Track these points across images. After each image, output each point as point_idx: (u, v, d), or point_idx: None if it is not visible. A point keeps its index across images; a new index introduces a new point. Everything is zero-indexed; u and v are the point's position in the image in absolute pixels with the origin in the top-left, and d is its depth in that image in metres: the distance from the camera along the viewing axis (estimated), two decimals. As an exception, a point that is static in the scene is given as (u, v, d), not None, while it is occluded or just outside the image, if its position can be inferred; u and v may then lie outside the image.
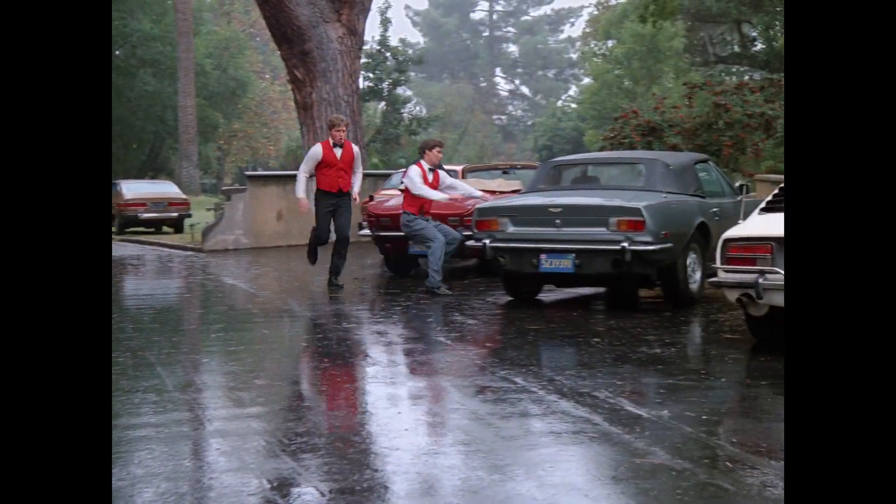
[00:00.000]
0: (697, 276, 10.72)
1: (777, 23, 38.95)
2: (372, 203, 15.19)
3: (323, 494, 4.74)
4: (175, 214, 28.65)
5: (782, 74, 31.18)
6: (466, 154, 51.27)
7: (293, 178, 22.03)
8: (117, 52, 42.68)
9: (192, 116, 41.06)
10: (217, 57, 46.95)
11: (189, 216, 27.98)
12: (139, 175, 42.54)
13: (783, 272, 7.69)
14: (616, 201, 10.35)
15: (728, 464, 5.16)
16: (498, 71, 75.24)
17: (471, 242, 11.27)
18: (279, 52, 24.30)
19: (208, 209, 26.90)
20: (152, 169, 48.01)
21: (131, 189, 29.79)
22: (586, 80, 58.24)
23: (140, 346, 8.97)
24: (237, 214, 20.66)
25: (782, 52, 30.35)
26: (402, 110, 40.30)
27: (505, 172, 17.42)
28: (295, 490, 4.84)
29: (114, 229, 28.01)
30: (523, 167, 18.34)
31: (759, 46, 41.08)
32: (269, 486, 4.89)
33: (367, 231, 15.09)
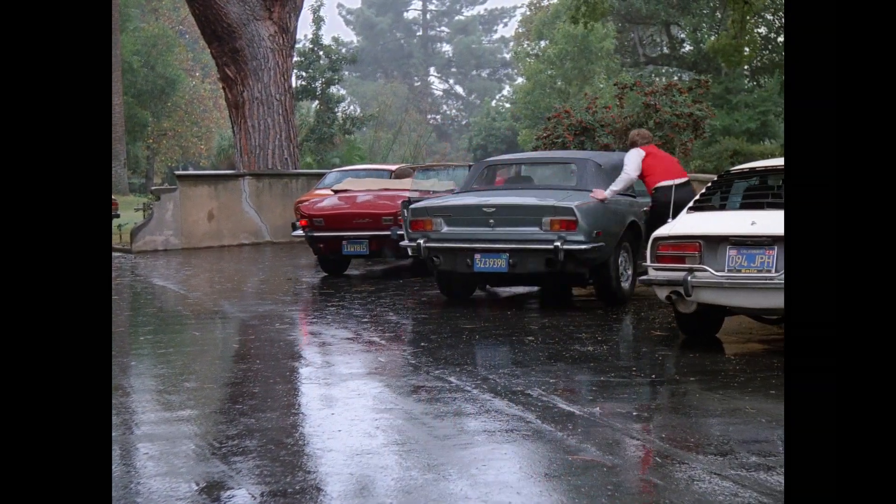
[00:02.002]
0: (629, 274, 10.82)
1: (704, 24, 39.54)
2: (305, 203, 14.90)
3: (255, 497, 4.71)
4: None
5: (710, 76, 31.71)
6: (401, 153, 51.08)
7: (224, 177, 22.03)
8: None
9: (120, 115, 40.64)
10: (145, 54, 46.47)
11: (117, 216, 27.67)
12: (65, 175, 42.17)
13: (710, 270, 7.82)
14: (549, 201, 10.40)
15: (658, 459, 5.22)
16: (432, 70, 75.36)
17: (403, 243, 11.26)
18: (209, 50, 24.15)
19: (137, 209, 26.67)
20: (79, 169, 47.44)
21: None
22: (520, 80, 58.60)
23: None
24: (167, 215, 20.43)
25: (709, 54, 30.86)
26: (336, 109, 40.15)
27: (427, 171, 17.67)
28: (226, 493, 4.81)
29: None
30: (457, 167, 18.35)
31: (688, 48, 41.66)
32: (199, 490, 4.85)
33: (300, 231, 14.86)
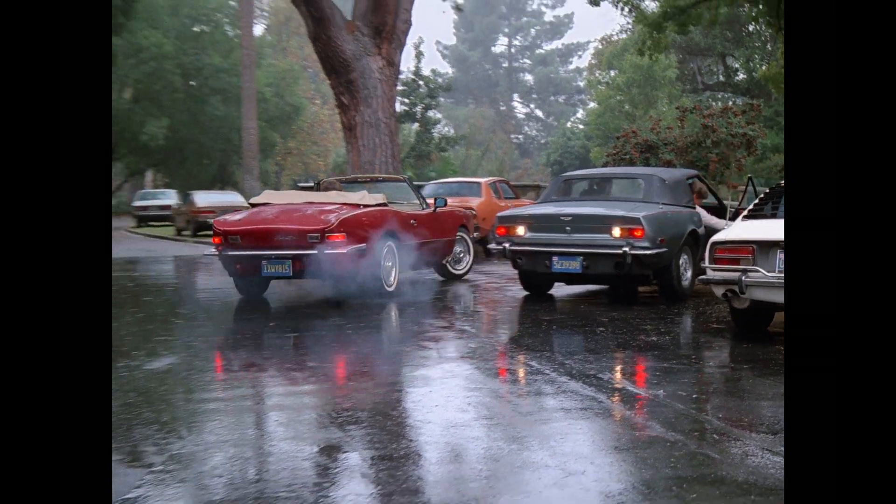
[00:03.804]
0: (689, 274, 10.72)
1: (756, 55, 38.84)
2: (219, 220, 11.11)
3: (365, 461, 4.78)
4: None
5: (761, 100, 31.06)
6: (488, 168, 51.07)
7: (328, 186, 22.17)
8: (192, 83, 43.00)
9: (254, 136, 41.15)
10: (275, 86, 47.00)
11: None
12: (209, 187, 42.88)
13: (763, 270, 7.73)
14: (618, 211, 10.33)
15: (715, 436, 5.16)
16: (515, 97, 75.06)
17: (491, 245, 11.29)
18: (328, 82, 24.32)
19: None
20: (220, 181, 48.24)
21: (203, 199, 30.92)
22: (591, 105, 57.91)
23: (209, 333, 9.08)
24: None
25: (761, 81, 30.23)
26: (433, 130, 40.24)
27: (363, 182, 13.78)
28: (342, 456, 4.88)
29: (188, 233, 29.99)
30: (385, 180, 14.21)
31: (741, 76, 40.90)
32: (319, 451, 4.94)
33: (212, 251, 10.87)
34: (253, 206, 11.33)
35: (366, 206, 10.81)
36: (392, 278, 11.22)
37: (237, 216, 10.91)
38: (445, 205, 12.83)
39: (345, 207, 10.47)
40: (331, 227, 9.54)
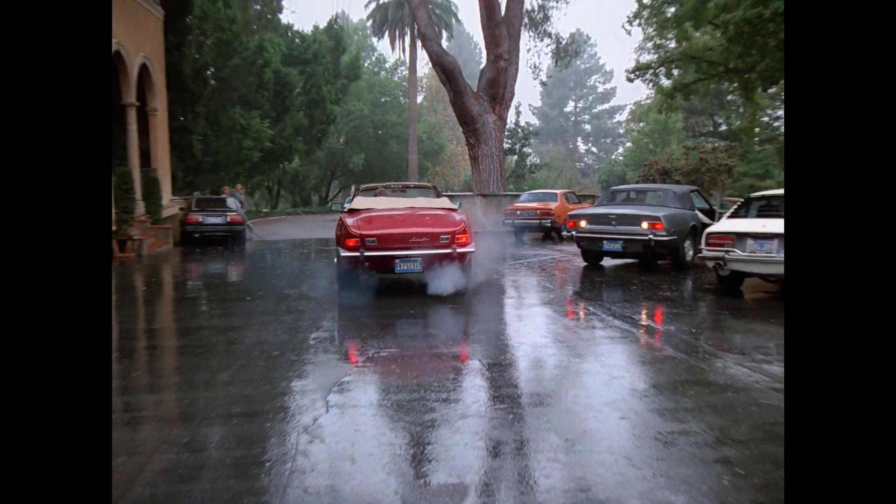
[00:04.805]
0: (690, 253, 10.47)
1: (733, 115, 38.16)
2: (353, 225, 7.83)
3: (482, 364, 4.88)
4: None
5: (737, 143, 30.22)
6: (561, 184, 50.34)
7: (469, 196, 22.33)
8: (379, 132, 43.71)
9: (415, 164, 41.88)
10: (429, 133, 47.41)
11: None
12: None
13: (738, 251, 7.66)
14: (646, 212, 10.14)
15: (706, 355, 5.08)
16: (579, 139, 73.69)
17: (564, 233, 11.19)
18: (461, 129, 24.43)
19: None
20: (393, 197, 48.91)
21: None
22: (628, 145, 56.39)
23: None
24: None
25: (736, 131, 30.17)
26: (526, 160, 39.95)
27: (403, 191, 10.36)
28: (469, 362, 4.96)
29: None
30: (416, 187, 10.85)
31: (724, 127, 39.57)
32: (453, 358, 5.05)
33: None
34: (351, 210, 8.47)
35: (452, 209, 8.54)
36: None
37: (360, 220, 7.94)
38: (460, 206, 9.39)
39: (450, 211, 8.38)
40: (459, 230, 7.82)
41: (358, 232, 7.62)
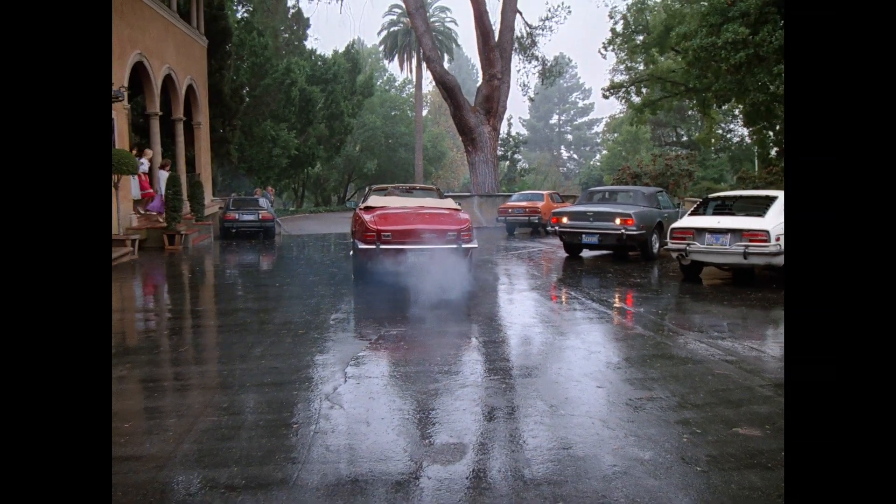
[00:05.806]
0: (657, 246, 10.43)
1: (692, 127, 38.41)
2: (370, 221, 7.44)
3: (479, 341, 4.87)
4: None
5: (696, 151, 30.29)
6: (547, 185, 50.17)
7: (467, 196, 22.26)
8: (390, 141, 43.57)
9: (421, 169, 41.84)
10: (432, 142, 47.24)
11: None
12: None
13: (698, 244, 7.66)
14: (619, 209, 10.08)
15: (670, 332, 5.07)
16: (562, 147, 73.48)
17: (549, 228, 11.13)
18: (460, 139, 24.35)
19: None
20: (402, 197, 48.66)
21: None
22: (604, 152, 56.20)
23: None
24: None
25: (696, 141, 30.42)
26: (517, 165, 39.90)
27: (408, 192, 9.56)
28: (470, 339, 4.95)
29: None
30: (422, 188, 10.04)
31: (685, 138, 39.60)
32: (457, 335, 5.02)
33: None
34: (367, 208, 7.93)
35: (456, 209, 8.04)
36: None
37: (377, 216, 7.54)
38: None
39: (455, 211, 7.93)
40: (464, 228, 7.43)
41: (375, 227, 7.32)
